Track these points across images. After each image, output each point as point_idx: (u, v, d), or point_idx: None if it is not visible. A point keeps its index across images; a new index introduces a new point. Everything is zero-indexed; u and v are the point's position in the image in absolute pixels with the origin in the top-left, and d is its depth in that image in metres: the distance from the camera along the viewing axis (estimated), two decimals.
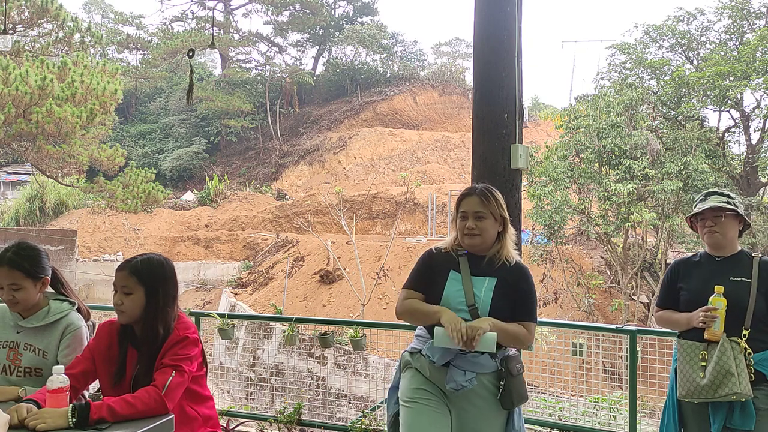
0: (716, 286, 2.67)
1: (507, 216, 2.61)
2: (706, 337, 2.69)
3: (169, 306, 2.45)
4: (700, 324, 2.68)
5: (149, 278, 2.43)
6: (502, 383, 2.45)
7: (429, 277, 2.60)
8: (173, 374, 2.30)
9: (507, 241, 2.59)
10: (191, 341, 2.42)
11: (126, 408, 2.17)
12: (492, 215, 2.55)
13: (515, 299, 2.51)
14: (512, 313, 2.49)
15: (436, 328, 2.41)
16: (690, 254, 3.00)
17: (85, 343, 2.62)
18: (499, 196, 2.61)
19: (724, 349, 2.64)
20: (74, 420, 2.08)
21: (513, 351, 2.56)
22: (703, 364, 2.68)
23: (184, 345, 2.39)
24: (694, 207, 2.89)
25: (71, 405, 2.12)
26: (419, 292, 2.59)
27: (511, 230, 2.63)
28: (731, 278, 2.73)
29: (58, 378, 2.13)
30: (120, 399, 2.19)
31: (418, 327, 2.63)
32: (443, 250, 2.64)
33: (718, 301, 2.65)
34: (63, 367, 2.20)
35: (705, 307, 2.68)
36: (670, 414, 2.88)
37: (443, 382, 2.45)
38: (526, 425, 4.45)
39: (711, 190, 2.92)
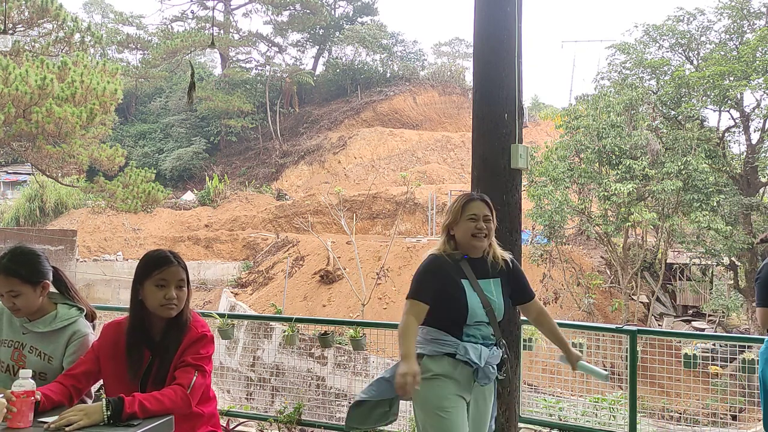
0: None
1: (495, 222, 2.87)
2: None
3: None
4: None
5: (187, 270, 2.49)
6: (504, 368, 2.80)
7: (439, 286, 2.70)
8: (196, 374, 2.32)
9: (495, 244, 2.84)
10: (209, 339, 2.44)
11: (155, 404, 2.18)
12: (493, 220, 2.80)
13: (516, 290, 2.86)
14: (519, 300, 2.89)
15: (581, 363, 2.88)
16: None
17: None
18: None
19: None
20: (108, 414, 2.09)
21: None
22: None
23: (204, 344, 2.41)
24: None
25: (105, 399, 2.12)
26: (425, 303, 2.69)
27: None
28: None
29: (28, 382, 2.08)
30: (149, 395, 2.20)
31: (431, 330, 2.72)
32: (445, 256, 2.76)
33: None
34: (30, 371, 2.15)
35: None
36: None
37: (470, 378, 2.69)
38: (527, 425, 4.46)
39: None
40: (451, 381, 2.67)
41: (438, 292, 2.70)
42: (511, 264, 2.86)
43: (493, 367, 2.72)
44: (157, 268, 2.39)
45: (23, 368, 2.55)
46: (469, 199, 2.80)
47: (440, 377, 2.67)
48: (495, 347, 2.75)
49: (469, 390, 2.72)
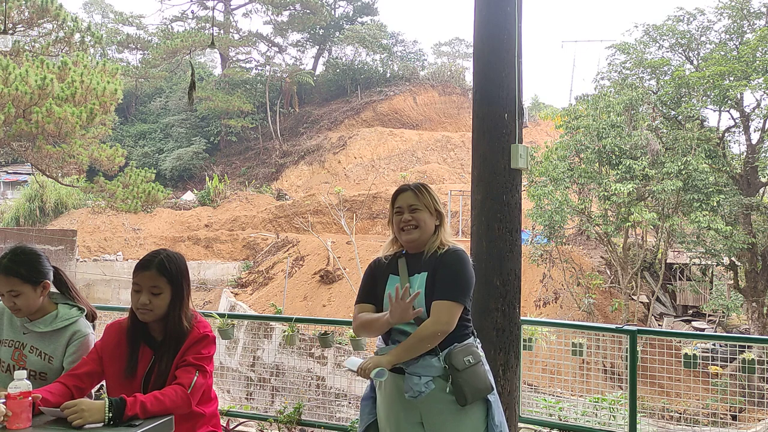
0: None
1: (443, 211, 2.59)
2: None
3: (188, 301, 2.48)
4: None
5: (176, 276, 2.42)
6: (450, 380, 2.36)
7: (373, 287, 2.59)
8: (197, 374, 2.32)
9: (442, 234, 2.53)
10: (211, 340, 2.45)
11: (156, 405, 2.18)
12: (427, 208, 2.51)
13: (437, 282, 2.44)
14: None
15: (351, 358, 2.45)
16: None
17: (90, 350, 2.61)
18: (432, 191, 2.59)
19: None
20: (110, 415, 2.08)
21: (461, 344, 2.42)
22: None
23: (206, 344, 2.42)
24: None
25: (107, 400, 2.12)
26: (369, 304, 2.57)
27: (447, 225, 2.60)
28: None
29: (23, 383, 2.08)
30: (151, 396, 2.20)
31: (378, 340, 2.58)
32: (387, 257, 2.61)
33: None
34: (25, 372, 2.14)
35: None
36: None
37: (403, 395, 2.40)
38: (527, 425, 4.45)
39: None
40: (389, 397, 2.45)
41: (374, 294, 2.58)
42: (446, 252, 2.48)
43: (419, 378, 2.35)
44: (135, 272, 2.40)
45: (24, 368, 2.56)
46: (397, 192, 2.59)
47: (379, 392, 2.53)
48: (429, 356, 2.38)
49: (414, 407, 2.41)
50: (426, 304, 2.40)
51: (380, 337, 2.54)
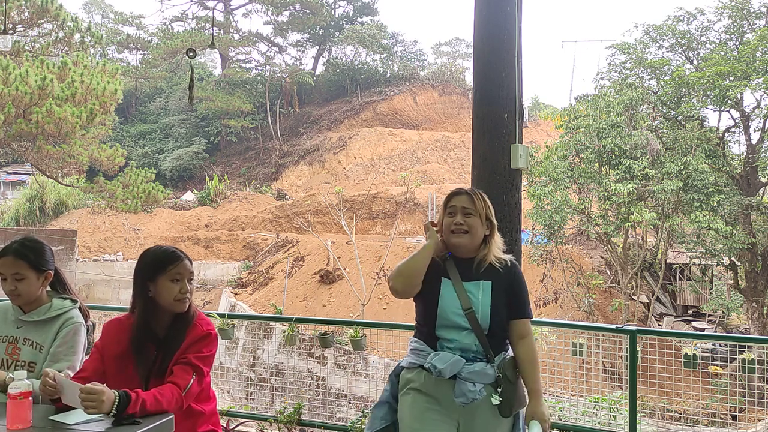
0: None
1: (495, 221, 2.54)
2: None
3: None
4: None
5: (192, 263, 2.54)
6: (500, 390, 2.40)
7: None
8: (194, 377, 2.33)
9: (493, 246, 2.50)
10: (213, 338, 2.46)
11: (155, 405, 2.19)
12: (479, 215, 2.47)
13: (511, 299, 2.47)
14: (509, 313, 2.46)
15: (532, 422, 2.41)
16: None
17: (82, 340, 2.63)
18: (487, 199, 2.55)
19: None
20: (115, 412, 2.10)
21: (510, 354, 2.50)
22: None
23: (208, 342, 2.42)
24: None
25: (117, 393, 2.12)
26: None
27: (499, 237, 2.55)
28: None
29: (23, 383, 2.07)
30: (150, 395, 2.20)
31: (413, 340, 2.52)
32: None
33: None
34: (25, 372, 2.15)
35: None
36: None
37: (449, 395, 2.38)
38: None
39: None
40: (427, 397, 2.41)
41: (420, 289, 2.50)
42: (509, 265, 2.50)
43: (474, 384, 2.36)
44: (172, 263, 2.42)
45: (18, 361, 2.58)
46: (452, 194, 2.53)
47: (414, 391, 2.43)
48: (482, 363, 2.41)
49: (454, 411, 2.40)
50: (493, 313, 2.42)
51: (420, 339, 2.49)
